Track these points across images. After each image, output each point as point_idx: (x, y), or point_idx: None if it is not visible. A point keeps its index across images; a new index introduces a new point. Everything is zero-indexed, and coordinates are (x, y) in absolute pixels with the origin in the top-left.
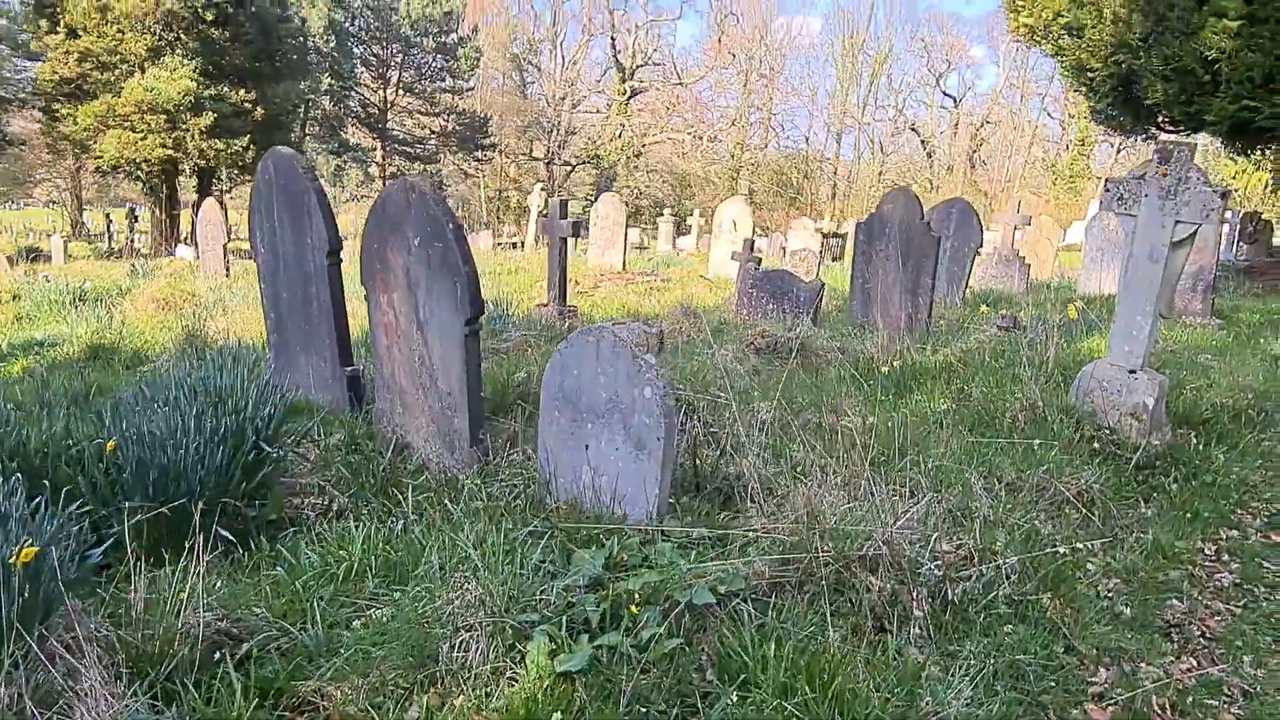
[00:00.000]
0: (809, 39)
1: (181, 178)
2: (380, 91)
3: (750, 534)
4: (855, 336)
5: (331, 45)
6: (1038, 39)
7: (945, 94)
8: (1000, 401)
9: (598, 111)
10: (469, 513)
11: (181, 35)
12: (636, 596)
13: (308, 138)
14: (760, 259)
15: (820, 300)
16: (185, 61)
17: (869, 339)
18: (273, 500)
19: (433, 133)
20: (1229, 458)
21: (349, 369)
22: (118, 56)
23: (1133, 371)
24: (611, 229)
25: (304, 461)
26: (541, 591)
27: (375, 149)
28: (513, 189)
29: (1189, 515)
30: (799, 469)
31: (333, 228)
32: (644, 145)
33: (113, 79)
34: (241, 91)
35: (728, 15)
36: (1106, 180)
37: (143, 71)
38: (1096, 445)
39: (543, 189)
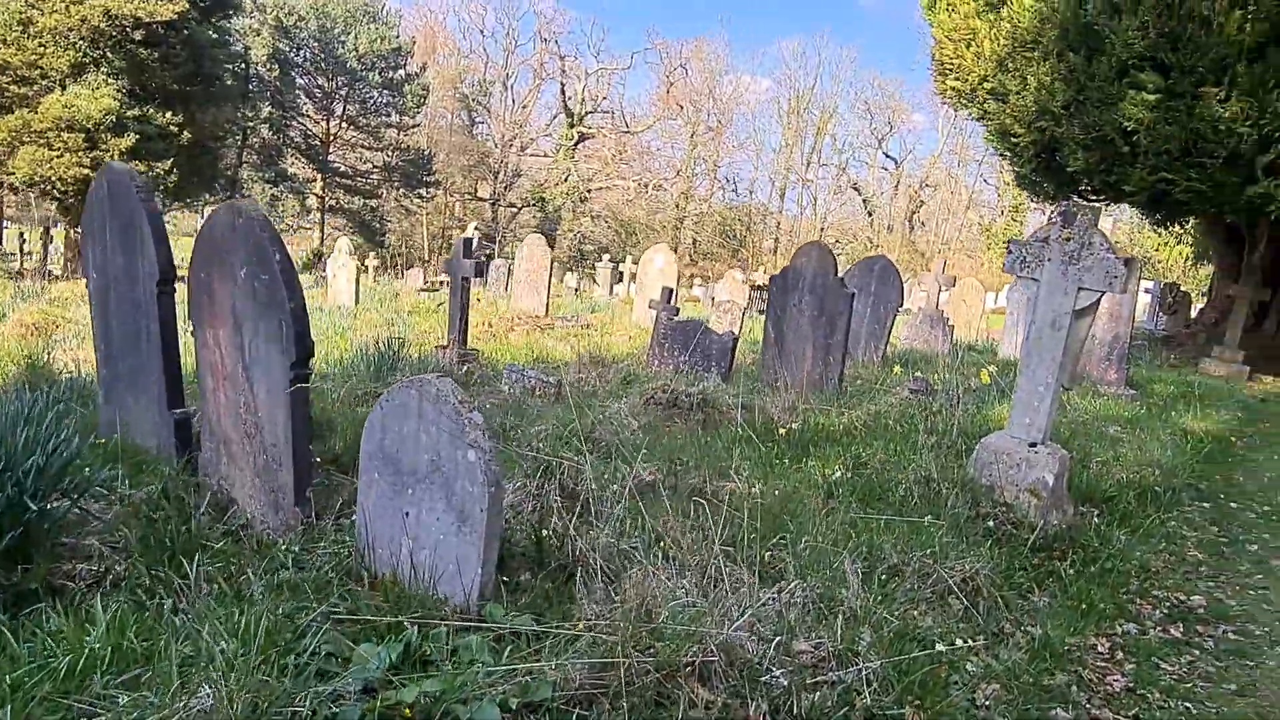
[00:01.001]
0: (756, 95)
1: None
2: (323, 123)
3: (578, 628)
4: (764, 393)
5: (275, 74)
6: (964, 103)
7: (887, 155)
8: (897, 472)
9: (545, 155)
10: (269, 587)
11: (108, 53)
12: (409, 711)
13: (245, 165)
14: (679, 309)
15: (733, 354)
16: (109, 80)
17: (777, 397)
18: (37, 567)
19: (375, 167)
20: (1131, 540)
21: (177, 412)
22: (38, 71)
23: (1033, 445)
24: (535, 272)
25: (97, 520)
26: (300, 699)
27: (315, 180)
28: (456, 228)
29: (1084, 606)
30: (663, 543)
31: (166, 254)
32: (590, 191)
33: (31, 94)
34: (168, 114)
35: (677, 68)
36: (1009, 242)
37: (63, 88)
38: (991, 524)
39: (477, 228)
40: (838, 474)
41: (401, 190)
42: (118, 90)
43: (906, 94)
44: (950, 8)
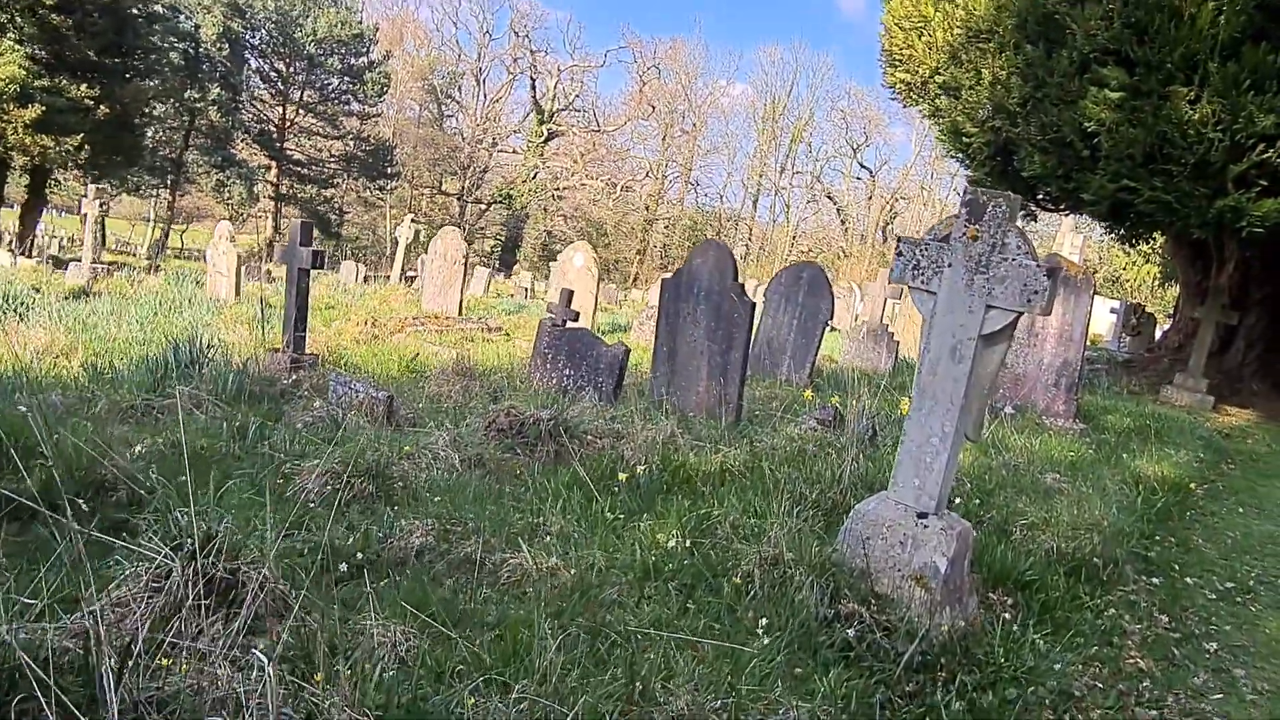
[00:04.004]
0: (731, 100)
1: (11, 175)
2: (279, 108)
3: None
4: (649, 418)
5: (224, 53)
6: (915, 97)
7: (862, 165)
8: (748, 543)
9: (514, 151)
10: None
11: (16, 17)
12: None
13: (192, 148)
14: (577, 314)
15: (623, 369)
16: (16, 46)
17: (652, 424)
18: None
19: (333, 156)
20: (1051, 645)
21: None
22: None
23: (923, 516)
24: (449, 269)
25: None
26: None
27: (269, 168)
28: (422, 222)
29: None
30: (316, 677)
31: None
32: (559, 189)
33: None
34: (83, 86)
35: (650, 67)
36: (900, 240)
37: None
38: (853, 631)
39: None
40: (673, 543)
41: (361, 181)
42: (24, 57)
43: (883, 105)
44: None
